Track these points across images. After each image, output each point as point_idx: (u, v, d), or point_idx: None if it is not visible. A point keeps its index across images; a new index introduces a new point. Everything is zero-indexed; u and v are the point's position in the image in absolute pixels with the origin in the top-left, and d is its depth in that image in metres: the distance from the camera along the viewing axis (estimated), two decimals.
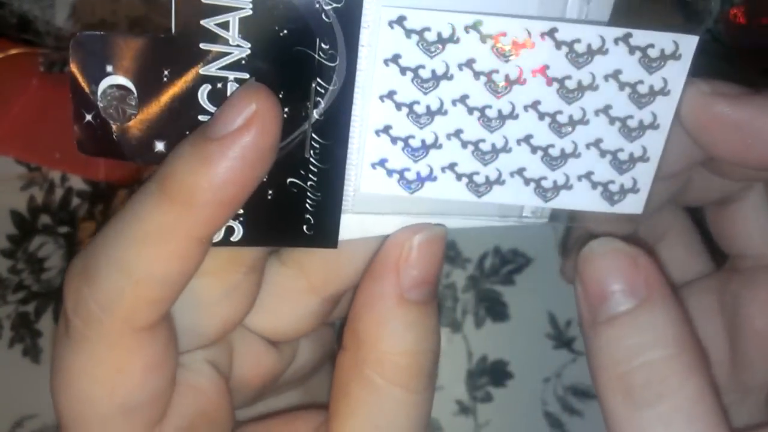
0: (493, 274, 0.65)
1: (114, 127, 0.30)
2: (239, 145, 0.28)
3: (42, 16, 0.64)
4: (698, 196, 0.39)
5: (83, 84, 0.29)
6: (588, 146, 0.32)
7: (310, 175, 0.32)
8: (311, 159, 0.32)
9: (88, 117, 0.30)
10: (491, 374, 0.65)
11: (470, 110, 0.31)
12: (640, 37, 0.30)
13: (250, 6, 0.28)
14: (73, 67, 0.29)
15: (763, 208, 0.38)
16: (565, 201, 0.33)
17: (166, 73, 0.29)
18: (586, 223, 0.35)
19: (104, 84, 0.29)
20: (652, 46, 0.30)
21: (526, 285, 0.64)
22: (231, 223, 0.31)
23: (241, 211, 0.31)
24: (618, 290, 0.32)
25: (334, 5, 0.29)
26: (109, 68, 0.29)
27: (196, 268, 0.30)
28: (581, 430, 0.65)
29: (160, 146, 0.31)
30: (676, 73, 0.31)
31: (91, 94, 0.30)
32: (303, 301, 0.36)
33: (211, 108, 0.30)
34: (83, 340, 0.30)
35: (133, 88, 0.30)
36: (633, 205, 0.33)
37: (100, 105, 0.30)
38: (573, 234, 0.40)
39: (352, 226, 0.33)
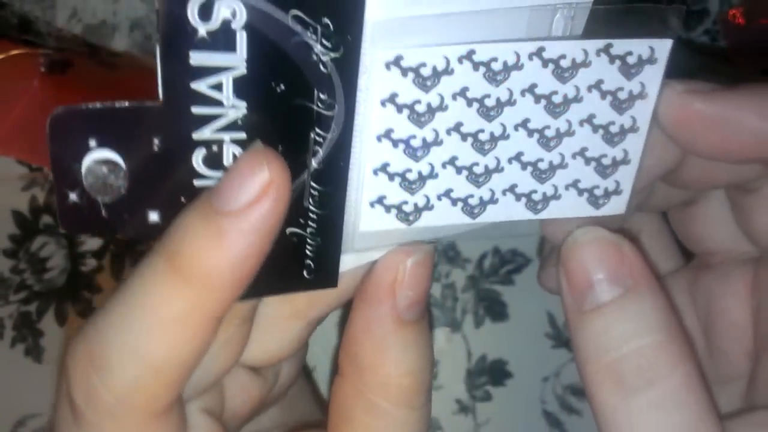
0: (493, 274, 0.65)
1: (102, 205, 0.28)
2: (255, 219, 0.27)
3: (43, 17, 0.64)
4: (659, 204, 0.40)
5: (64, 162, 0.27)
6: (574, 156, 0.33)
7: (310, 222, 0.31)
8: (310, 207, 0.31)
9: (73, 196, 0.28)
10: (490, 373, 0.66)
11: (464, 137, 0.31)
12: (620, 46, 0.31)
13: (245, 64, 0.27)
14: (52, 144, 0.27)
15: (723, 206, 0.38)
16: (554, 211, 0.34)
17: (156, 141, 0.28)
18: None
19: (88, 160, 0.27)
20: (630, 53, 0.31)
21: (526, 285, 0.65)
22: None
23: None
24: (603, 279, 0.31)
25: (332, 55, 0.28)
26: (93, 143, 0.27)
27: (209, 347, 0.29)
28: (580, 429, 0.66)
29: (154, 217, 0.29)
30: (653, 76, 0.32)
31: (74, 171, 0.27)
32: (287, 327, 0.35)
33: (207, 172, 0.29)
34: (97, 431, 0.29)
35: (121, 161, 0.28)
36: (616, 206, 0.34)
37: (86, 183, 0.28)
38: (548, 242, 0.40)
39: (350, 261, 0.33)
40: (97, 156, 0.27)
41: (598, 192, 0.34)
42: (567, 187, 0.33)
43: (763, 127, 0.31)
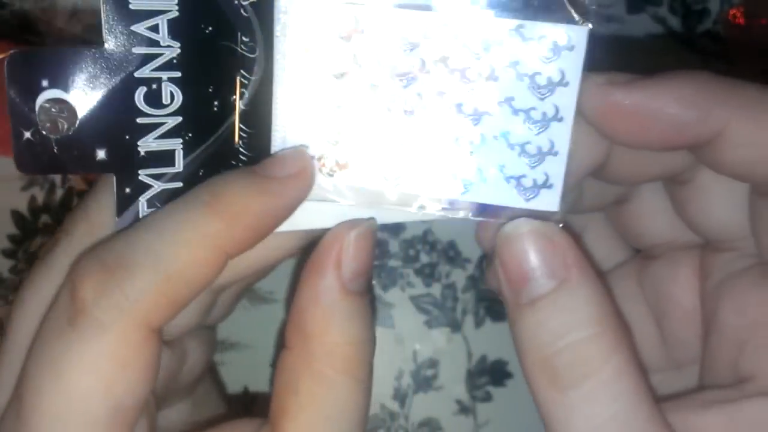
0: None
1: (53, 141, 0.31)
2: (290, 188, 0.33)
3: (43, 17, 0.65)
4: (593, 203, 0.40)
5: (19, 102, 0.30)
6: (495, 137, 0.33)
7: (240, 165, 0.34)
8: (240, 148, 0.34)
9: (27, 134, 0.31)
10: (491, 374, 0.65)
11: (380, 100, 0.33)
12: (532, 28, 0.31)
13: (177, 7, 0.31)
14: (9, 86, 0.30)
15: (659, 199, 0.38)
16: (480, 194, 0.34)
17: (101, 80, 0.31)
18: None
19: (41, 99, 0.30)
20: (544, 37, 0.31)
21: None
22: None
23: None
24: (537, 272, 0.32)
25: (251, 0, 0.32)
26: (45, 83, 0.30)
27: (211, 283, 0.33)
28: None
29: (101, 154, 0.32)
30: (572, 64, 0.31)
31: (29, 111, 0.30)
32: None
33: (148, 109, 0.32)
34: (98, 332, 0.31)
35: (70, 100, 0.31)
36: (548, 201, 0.33)
37: (39, 120, 0.31)
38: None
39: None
40: (49, 95, 0.31)
41: (526, 182, 0.33)
42: (492, 170, 0.33)
43: (681, 113, 0.31)
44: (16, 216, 0.66)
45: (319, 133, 0.34)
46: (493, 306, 0.65)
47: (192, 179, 0.34)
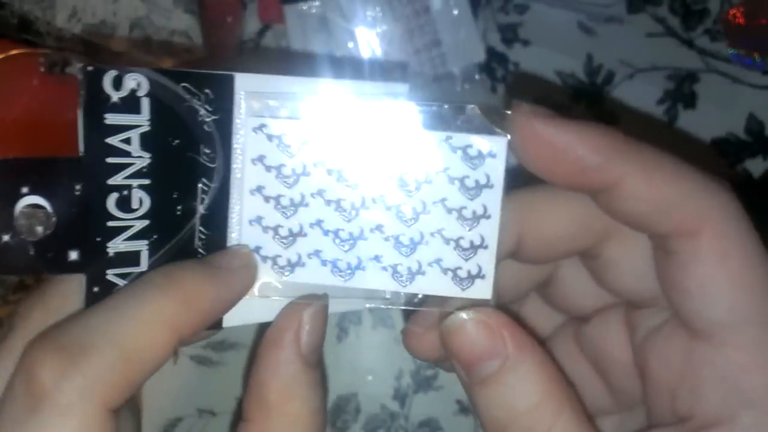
0: None
1: (30, 244, 0.33)
2: (239, 279, 0.36)
3: (43, 17, 0.65)
4: (519, 291, 0.43)
5: (1, 207, 0.33)
6: (432, 234, 0.36)
7: None
8: (199, 249, 0.37)
9: (6, 238, 0.33)
10: None
11: (327, 202, 0.36)
12: (459, 139, 0.35)
13: (148, 123, 0.34)
14: None
15: (578, 273, 0.41)
16: (420, 286, 0.37)
17: (77, 188, 0.34)
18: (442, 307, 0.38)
19: (20, 204, 0.33)
20: (470, 146, 0.35)
21: None
22: None
23: None
24: (481, 355, 0.35)
25: (213, 117, 0.35)
26: (25, 189, 0.33)
27: (164, 363, 0.34)
28: None
29: (74, 255, 0.35)
30: (495, 169, 0.35)
31: (8, 216, 0.33)
32: None
33: (118, 213, 0.35)
34: (60, 416, 0.31)
35: (48, 206, 0.33)
36: (482, 290, 0.37)
37: (18, 224, 0.33)
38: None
39: (233, 310, 0.37)
40: (28, 200, 0.33)
41: (461, 273, 0.37)
42: (431, 264, 0.37)
43: (586, 156, 0.34)
44: None
45: (272, 235, 0.37)
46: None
47: None
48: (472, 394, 0.36)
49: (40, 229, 0.33)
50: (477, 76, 0.66)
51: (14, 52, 0.61)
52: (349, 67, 0.67)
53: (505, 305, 0.43)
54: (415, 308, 0.38)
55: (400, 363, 0.66)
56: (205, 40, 0.68)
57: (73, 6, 0.65)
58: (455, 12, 0.64)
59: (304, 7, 0.65)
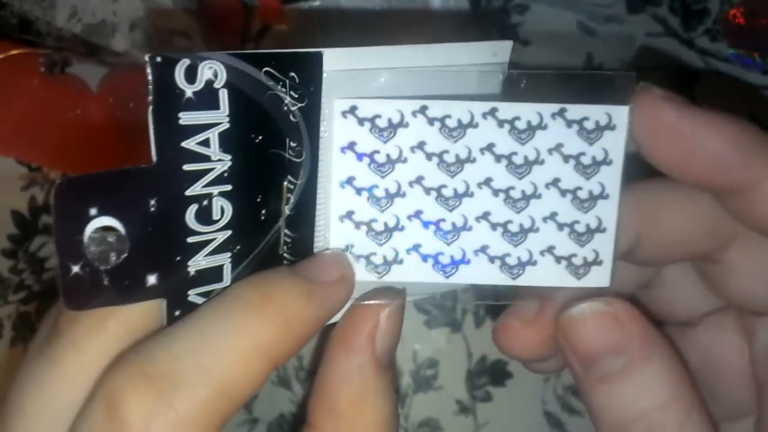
0: None
1: (104, 273, 0.28)
2: (337, 295, 0.32)
3: (43, 17, 0.63)
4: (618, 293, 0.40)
5: (67, 234, 0.27)
6: (545, 220, 0.33)
7: None
8: (285, 255, 0.33)
9: (76, 269, 0.27)
10: (491, 374, 0.65)
11: (427, 191, 0.32)
12: (575, 110, 0.32)
13: (227, 119, 0.29)
14: (56, 218, 0.27)
15: (685, 277, 0.39)
16: (532, 278, 0.34)
17: (152, 203, 0.29)
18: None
19: (89, 229, 0.27)
20: (586, 118, 0.32)
21: None
22: None
23: None
24: (607, 351, 0.32)
25: (299, 105, 0.30)
26: (93, 211, 0.27)
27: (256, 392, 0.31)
28: (581, 430, 0.65)
29: (152, 280, 0.30)
30: (615, 143, 0.32)
31: (77, 243, 0.27)
32: None
33: (198, 227, 0.30)
34: None
35: (121, 227, 0.28)
36: (599, 278, 0.34)
37: (89, 252, 0.27)
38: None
39: None
40: (98, 223, 0.27)
41: (576, 261, 0.34)
42: (542, 253, 0.34)
43: (726, 152, 0.31)
44: (17, 216, 0.65)
45: (365, 231, 0.33)
46: (493, 306, 0.65)
47: None
48: (589, 389, 0.33)
49: (113, 254, 0.28)
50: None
51: (14, 52, 0.60)
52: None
53: (634, 298, 0.40)
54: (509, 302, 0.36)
55: (400, 363, 0.65)
56: (205, 40, 0.68)
57: (73, 6, 0.64)
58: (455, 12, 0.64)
59: (305, 7, 0.64)
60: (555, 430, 0.65)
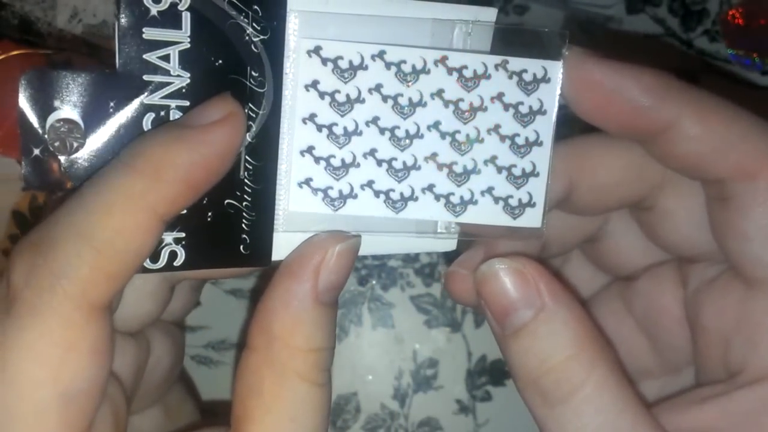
0: None
1: (62, 159, 0.31)
2: (215, 134, 0.30)
3: (44, 18, 0.63)
4: (563, 245, 0.43)
5: (31, 119, 0.30)
6: (486, 163, 0.35)
7: (245, 196, 0.34)
8: (245, 180, 0.33)
9: (36, 151, 0.31)
10: (491, 374, 0.64)
11: (381, 131, 0.34)
12: (515, 63, 0.34)
13: (188, 40, 0.31)
14: (22, 103, 0.30)
15: (627, 230, 0.41)
16: (472, 216, 0.36)
17: (111, 104, 0.31)
18: (491, 240, 0.37)
19: (52, 118, 0.30)
20: (525, 71, 0.34)
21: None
22: (174, 247, 0.33)
23: (183, 235, 0.33)
24: (515, 304, 0.34)
25: (261, 37, 0.32)
26: (57, 103, 0.30)
27: (150, 250, 0.30)
28: None
29: None
30: (549, 95, 0.35)
31: (39, 128, 0.30)
32: (153, 290, 0.37)
33: None
34: (32, 315, 0.28)
35: (80, 121, 0.31)
36: (532, 218, 0.36)
37: (48, 139, 0.30)
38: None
39: (283, 245, 0.35)
40: (60, 115, 0.31)
41: (512, 202, 0.36)
42: (483, 193, 0.35)
43: (640, 96, 0.33)
44: (17, 216, 0.65)
45: (324, 165, 0.34)
46: None
47: (196, 207, 0.33)
48: (504, 345, 0.35)
49: (71, 144, 0.31)
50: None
51: (15, 52, 0.60)
52: None
53: (547, 260, 0.42)
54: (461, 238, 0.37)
55: (400, 363, 0.65)
56: None
57: (74, 7, 0.63)
58: None
59: None
60: None
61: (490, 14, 0.34)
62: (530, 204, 0.36)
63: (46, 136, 0.30)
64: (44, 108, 0.30)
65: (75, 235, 0.28)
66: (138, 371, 0.38)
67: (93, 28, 0.64)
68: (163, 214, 0.30)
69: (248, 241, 0.34)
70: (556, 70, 0.34)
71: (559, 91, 0.35)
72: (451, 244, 0.37)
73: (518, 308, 0.34)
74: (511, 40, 0.35)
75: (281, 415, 0.33)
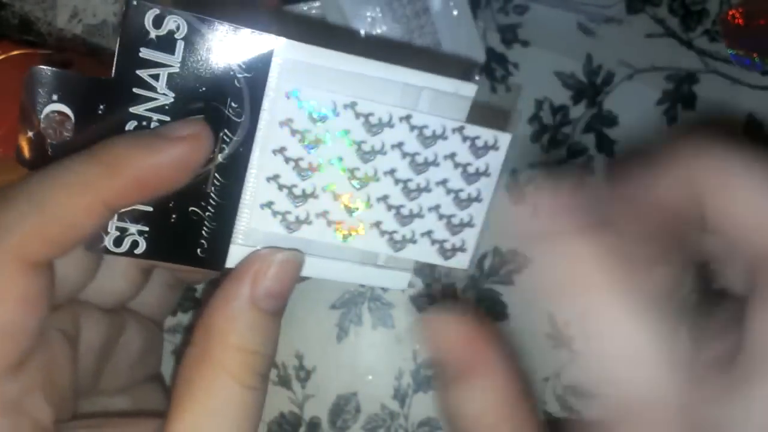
0: (493, 274, 0.64)
1: (49, 145, 0.35)
2: (175, 148, 0.33)
3: (44, 18, 0.63)
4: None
5: (30, 106, 0.34)
6: (430, 210, 0.39)
7: (209, 207, 0.37)
8: (212, 194, 0.37)
9: (30, 134, 0.35)
10: None
11: (343, 170, 0.38)
12: (471, 130, 0.38)
13: (178, 65, 0.35)
14: (25, 92, 0.34)
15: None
16: (410, 253, 0.40)
17: (101, 107, 0.35)
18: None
19: (48, 109, 0.35)
20: (478, 137, 0.38)
21: (526, 285, 0.64)
22: (136, 237, 0.36)
23: (147, 229, 0.36)
24: (449, 358, 0.35)
25: (246, 75, 0.35)
26: (55, 97, 0.34)
27: (91, 231, 0.33)
28: None
29: None
30: (495, 160, 0.39)
31: (35, 115, 0.34)
32: (119, 266, 0.40)
33: None
34: None
35: (72, 115, 0.35)
36: (461, 261, 0.40)
37: (42, 125, 0.35)
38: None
39: (238, 256, 0.38)
40: (55, 107, 0.35)
41: (447, 245, 0.40)
42: (422, 235, 0.39)
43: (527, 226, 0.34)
44: None
45: (286, 193, 0.37)
46: (493, 306, 0.64)
47: (162, 208, 0.36)
48: (441, 391, 0.36)
49: (60, 133, 0.35)
50: (477, 77, 0.66)
51: (15, 52, 0.60)
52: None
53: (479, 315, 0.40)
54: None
55: (400, 363, 0.64)
56: None
57: (73, 7, 0.63)
58: (455, 13, 0.63)
59: (305, 8, 0.64)
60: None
61: (469, 89, 0.38)
62: (462, 249, 0.40)
63: (40, 122, 0.35)
64: (44, 99, 0.34)
65: (26, 200, 0.32)
66: (107, 344, 0.40)
67: (93, 28, 0.64)
68: (110, 203, 0.32)
69: (205, 246, 0.38)
70: (505, 140, 0.38)
71: (503, 158, 0.39)
72: (402, 283, 0.41)
73: (451, 361, 0.35)
74: (473, 111, 0.38)
75: (205, 407, 0.34)
